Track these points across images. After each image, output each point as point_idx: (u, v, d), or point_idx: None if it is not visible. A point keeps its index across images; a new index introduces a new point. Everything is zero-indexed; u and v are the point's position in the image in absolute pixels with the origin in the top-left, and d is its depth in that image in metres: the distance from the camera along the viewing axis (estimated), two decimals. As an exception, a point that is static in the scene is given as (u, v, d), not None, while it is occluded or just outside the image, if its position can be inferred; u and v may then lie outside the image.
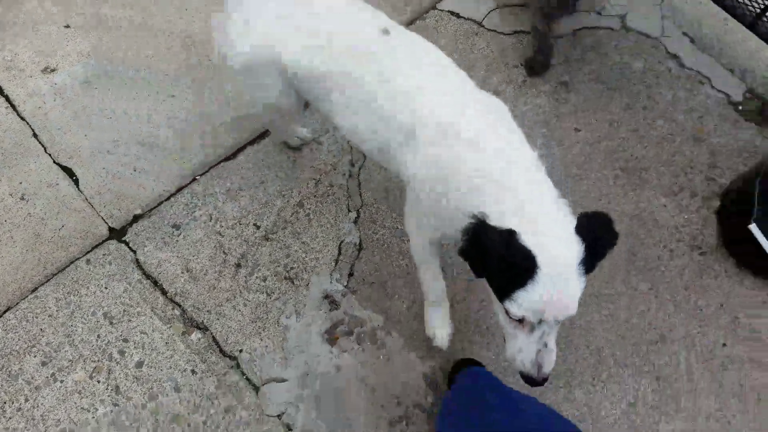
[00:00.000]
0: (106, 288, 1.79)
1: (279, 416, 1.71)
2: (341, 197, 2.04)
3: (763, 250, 1.80)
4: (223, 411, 1.69)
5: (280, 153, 2.08)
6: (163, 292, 1.81)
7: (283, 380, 1.75)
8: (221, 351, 1.76)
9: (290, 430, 1.69)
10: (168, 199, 1.95)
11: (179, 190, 1.98)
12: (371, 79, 1.33)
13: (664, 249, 2.00)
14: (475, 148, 1.22)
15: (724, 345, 1.87)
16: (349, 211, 2.02)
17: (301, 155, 2.09)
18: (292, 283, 1.88)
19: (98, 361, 1.71)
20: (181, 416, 1.67)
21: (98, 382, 1.68)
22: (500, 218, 1.11)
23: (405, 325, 1.84)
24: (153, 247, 1.87)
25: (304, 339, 1.81)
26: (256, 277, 1.87)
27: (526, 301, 1.07)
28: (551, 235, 1.08)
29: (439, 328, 1.74)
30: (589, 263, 1.09)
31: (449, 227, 1.33)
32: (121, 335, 1.74)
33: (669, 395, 1.79)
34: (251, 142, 2.09)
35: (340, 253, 1.95)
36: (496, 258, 1.08)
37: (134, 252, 1.86)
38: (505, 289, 1.10)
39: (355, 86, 1.35)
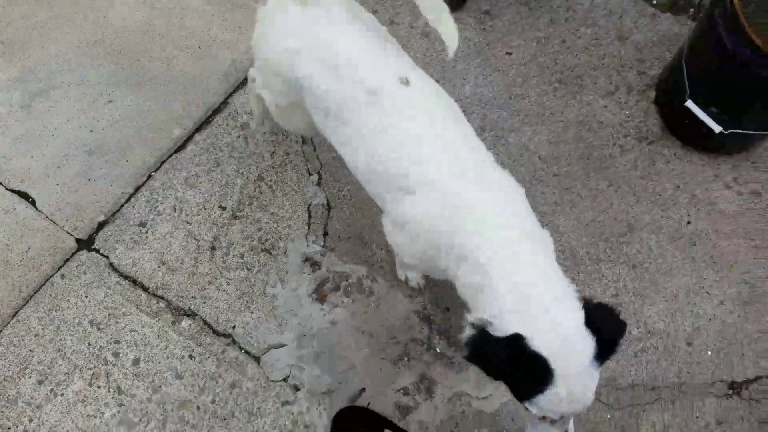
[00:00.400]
0: (86, 297, 1.79)
1: (284, 380, 1.74)
2: (299, 163, 2.06)
3: (704, 127, 1.89)
4: (228, 387, 1.71)
5: (229, 134, 2.09)
6: (144, 289, 1.82)
7: (282, 345, 1.78)
8: (214, 332, 1.78)
9: (298, 390, 1.73)
10: (128, 200, 1.95)
11: (137, 189, 1.97)
12: (375, 126, 1.28)
13: (615, 146, 2.08)
14: (479, 226, 1.17)
15: (688, 222, 1.96)
16: (310, 174, 2.04)
17: (250, 131, 2.10)
18: (270, 253, 1.91)
19: (94, 367, 1.70)
20: (189, 401, 1.68)
21: (99, 387, 1.68)
22: (501, 317, 1.07)
23: (388, 269, 1.89)
24: (124, 248, 1.87)
25: (294, 303, 1.83)
26: (233, 256, 1.89)
27: (546, 404, 1.05)
28: (562, 334, 1.04)
29: (410, 270, 1.79)
30: (601, 355, 1.06)
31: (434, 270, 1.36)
32: (111, 338, 1.74)
33: (647, 280, 1.88)
34: (197, 130, 2.09)
35: (310, 217, 1.98)
36: (505, 368, 1.05)
37: (107, 257, 1.85)
38: (522, 394, 1.09)
39: (359, 126, 1.31)
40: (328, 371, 1.76)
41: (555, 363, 1.02)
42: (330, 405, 1.71)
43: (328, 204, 2.00)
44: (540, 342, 1.03)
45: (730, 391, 1.73)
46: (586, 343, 1.05)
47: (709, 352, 1.77)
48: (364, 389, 1.74)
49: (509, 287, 1.10)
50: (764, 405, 1.70)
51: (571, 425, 1.16)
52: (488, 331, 1.06)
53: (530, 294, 1.09)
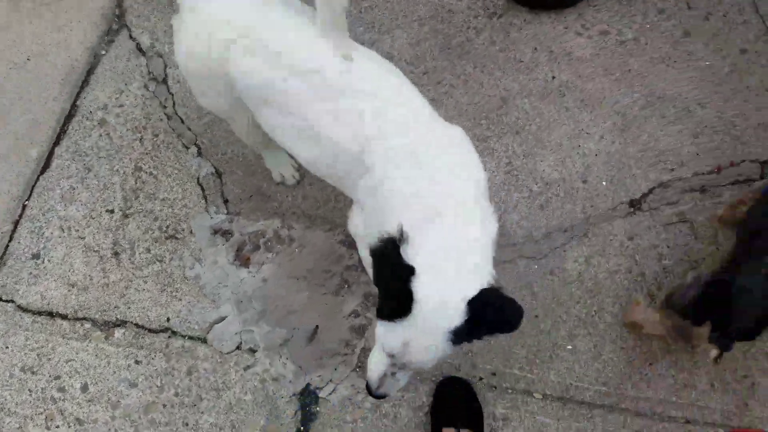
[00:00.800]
0: (6, 347, 1.69)
1: (238, 347, 1.75)
2: (172, 140, 1.99)
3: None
4: (186, 375, 1.70)
5: (90, 135, 1.98)
6: (64, 317, 1.74)
7: (223, 318, 1.78)
8: (150, 331, 1.75)
9: (254, 352, 1.75)
10: (11, 238, 1.83)
11: (16, 224, 1.85)
12: (323, 108, 1.24)
13: (469, 30, 2.15)
14: (417, 176, 1.17)
15: (553, 77, 2.08)
16: (188, 148, 1.99)
17: (110, 126, 2.00)
18: (176, 238, 1.86)
19: (45, 410, 1.64)
20: (152, 403, 1.67)
21: (57, 427, 1.63)
22: (414, 250, 1.08)
23: (299, 212, 1.90)
24: (26, 286, 1.77)
25: (220, 276, 1.82)
26: (140, 253, 1.83)
27: (388, 334, 1.11)
28: (442, 296, 1.06)
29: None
30: (462, 335, 1.08)
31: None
32: (50, 376, 1.68)
33: (532, 140, 2.00)
34: (56, 143, 1.97)
35: (203, 189, 1.93)
36: (386, 284, 1.09)
37: (12, 301, 1.75)
38: (381, 311, 1.13)
39: (303, 112, 1.27)
40: (277, 324, 1.78)
41: (416, 311, 1.06)
42: (290, 352, 1.74)
43: (216, 171, 1.96)
44: (421, 286, 1.06)
45: (632, 209, 1.91)
46: (455, 315, 1.07)
47: (604, 183, 1.94)
48: (317, 327, 1.79)
49: (435, 227, 1.12)
50: (663, 210, 1.90)
51: (404, 378, 1.23)
52: (398, 246, 1.08)
53: (447, 245, 1.11)
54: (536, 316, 1.78)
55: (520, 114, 2.03)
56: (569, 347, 1.76)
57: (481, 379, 1.72)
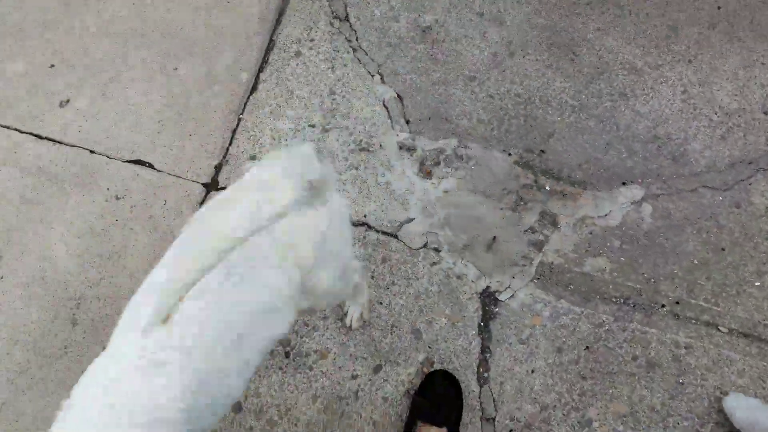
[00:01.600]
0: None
1: (424, 246, 1.97)
2: (359, 69, 2.25)
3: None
4: (381, 262, 1.94)
5: (288, 65, 2.26)
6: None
7: (411, 220, 2.00)
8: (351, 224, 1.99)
9: (439, 251, 1.96)
10: (230, 143, 2.13)
11: (234, 132, 2.16)
12: None
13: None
14: None
15: (719, 8, 2.17)
16: (372, 75, 2.23)
17: (305, 57, 2.27)
18: (369, 151, 2.11)
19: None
20: (353, 283, 1.92)
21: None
22: None
23: (475, 134, 2.10)
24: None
25: (406, 184, 2.05)
26: (340, 161, 2.09)
27: None
28: None
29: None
30: None
31: None
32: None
33: (706, 68, 2.10)
34: (260, 70, 2.26)
35: (388, 111, 2.17)
36: None
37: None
38: None
39: None
40: (459, 230, 1.99)
41: None
42: (471, 256, 1.94)
43: (398, 96, 2.20)
44: None
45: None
46: None
47: (786, 115, 2.01)
48: (495, 237, 1.98)
49: None
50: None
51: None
52: None
53: None
54: (723, 249, 1.86)
55: (690, 43, 2.12)
56: (757, 284, 1.82)
57: (663, 306, 1.83)
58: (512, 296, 1.89)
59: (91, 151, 2.12)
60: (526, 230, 1.98)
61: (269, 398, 1.79)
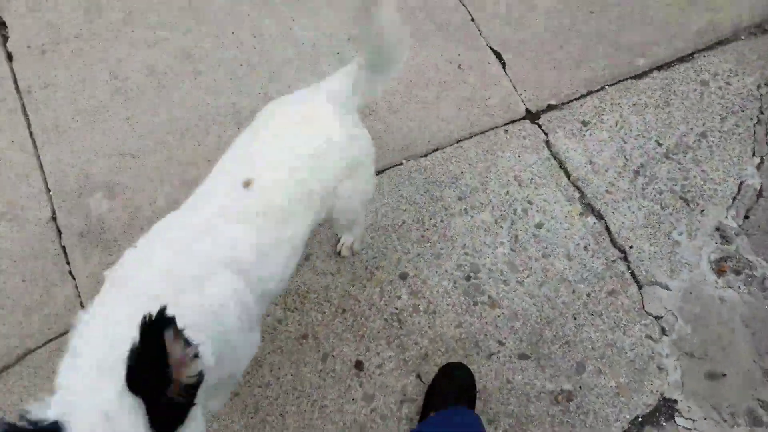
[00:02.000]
0: (519, 156, 1.96)
1: (657, 318, 1.73)
2: (747, 139, 2.00)
3: None
4: (606, 292, 1.76)
5: (687, 84, 2.09)
6: (567, 174, 1.94)
7: (667, 288, 1.77)
8: (612, 240, 1.83)
9: (665, 333, 1.71)
10: (578, 98, 2.08)
11: (589, 93, 2.09)
12: None
13: None
14: None
15: None
16: (754, 155, 1.96)
17: (709, 90, 2.07)
18: (687, 204, 1.89)
19: (504, 211, 1.88)
20: (568, 281, 1.78)
21: (501, 227, 1.85)
22: None
23: None
24: (562, 134, 2.00)
25: (693, 259, 1.81)
26: (653, 189, 1.91)
27: None
28: None
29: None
30: None
31: None
32: (526, 197, 1.90)
33: None
34: (659, 68, 2.13)
35: (738, 192, 1.91)
36: None
37: (546, 135, 2.01)
38: None
39: None
40: (698, 336, 1.71)
41: None
42: (690, 366, 1.67)
43: (760, 190, 1.91)
44: None
45: None
46: None
47: None
48: (725, 374, 1.66)
49: None
50: None
51: None
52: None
53: None
54: None
55: None
56: None
57: None
58: (691, 428, 1.60)
59: (472, 19, 2.23)
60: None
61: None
